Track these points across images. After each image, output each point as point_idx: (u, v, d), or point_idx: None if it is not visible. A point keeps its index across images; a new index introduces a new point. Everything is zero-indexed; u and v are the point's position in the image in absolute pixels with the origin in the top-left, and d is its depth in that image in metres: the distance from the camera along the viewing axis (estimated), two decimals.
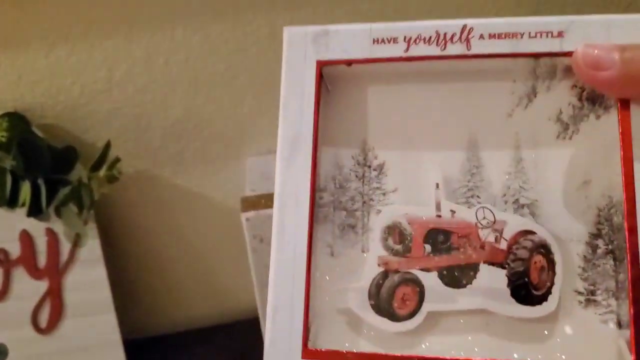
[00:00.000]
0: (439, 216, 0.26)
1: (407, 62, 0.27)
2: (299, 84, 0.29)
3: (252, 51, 0.59)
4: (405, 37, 0.27)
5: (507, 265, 0.25)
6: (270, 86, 0.61)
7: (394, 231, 0.27)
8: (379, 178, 0.28)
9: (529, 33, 0.27)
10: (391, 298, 0.26)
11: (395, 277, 0.26)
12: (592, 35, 0.26)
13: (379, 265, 0.27)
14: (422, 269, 0.26)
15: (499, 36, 0.27)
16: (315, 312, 0.27)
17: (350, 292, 0.27)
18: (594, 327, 0.24)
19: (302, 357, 0.26)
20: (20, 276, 0.61)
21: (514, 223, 0.26)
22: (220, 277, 0.71)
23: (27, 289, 0.61)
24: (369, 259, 0.27)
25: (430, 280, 0.26)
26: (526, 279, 0.25)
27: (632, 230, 0.23)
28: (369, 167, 0.28)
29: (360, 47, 0.28)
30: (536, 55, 0.27)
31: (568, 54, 0.26)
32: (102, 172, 0.56)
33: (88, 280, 0.62)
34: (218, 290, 0.71)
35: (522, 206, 0.26)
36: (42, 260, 0.61)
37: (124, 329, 0.64)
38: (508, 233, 0.26)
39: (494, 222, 0.26)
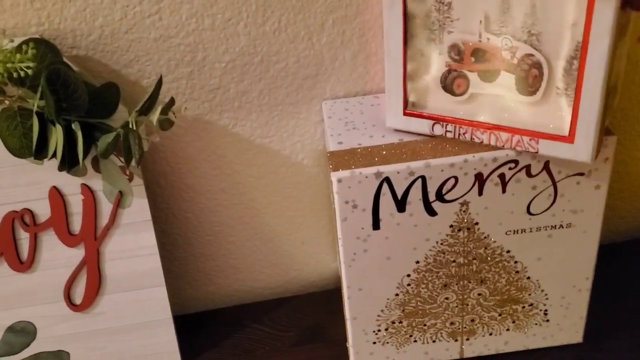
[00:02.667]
0: (480, 41, 0.41)
1: None
2: None
3: None
4: None
5: (516, 73, 0.41)
6: (357, 11, 0.49)
7: (454, 48, 0.42)
8: (448, 11, 0.41)
9: None
10: (452, 84, 0.43)
11: (455, 73, 0.43)
12: None
13: (446, 66, 0.43)
14: (469, 70, 0.43)
15: None
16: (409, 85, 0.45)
17: (429, 80, 0.44)
18: (563, 103, 0.41)
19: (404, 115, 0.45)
20: (50, 242, 0.50)
21: (522, 48, 0.40)
22: (286, 245, 0.60)
23: (59, 257, 0.51)
24: (441, 60, 0.43)
25: (473, 77, 0.43)
26: (525, 82, 0.41)
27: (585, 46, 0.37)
28: (442, 3, 0.41)
29: None
30: None
31: None
32: (155, 116, 0.44)
33: (133, 247, 0.51)
34: (283, 260, 0.61)
35: (532, 35, 0.39)
36: (76, 223, 0.50)
37: (174, 304, 0.54)
38: (518, 54, 0.40)
39: (511, 47, 0.40)
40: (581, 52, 0.37)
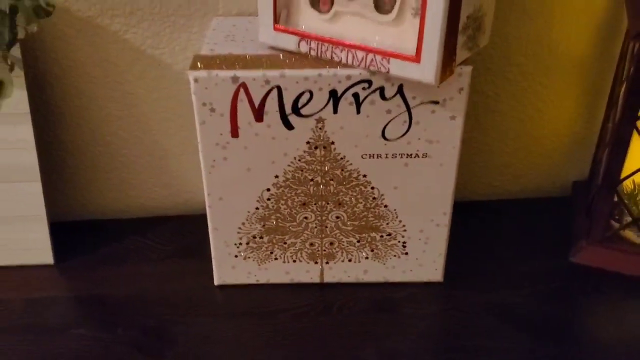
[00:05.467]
0: None
1: None
2: None
3: None
4: None
5: None
6: None
7: None
8: None
9: None
10: (318, 1, 0.44)
11: None
12: None
13: None
14: None
15: None
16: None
17: None
18: (415, 24, 0.41)
19: (274, 30, 0.46)
20: None
21: None
22: (179, 165, 0.61)
23: None
24: None
25: None
26: (382, 0, 0.42)
27: None
28: None
29: None
30: None
31: None
32: (27, 2, 0.45)
33: (11, 139, 0.52)
34: (175, 180, 0.61)
35: None
36: None
37: (53, 207, 0.56)
38: None
39: None
40: None
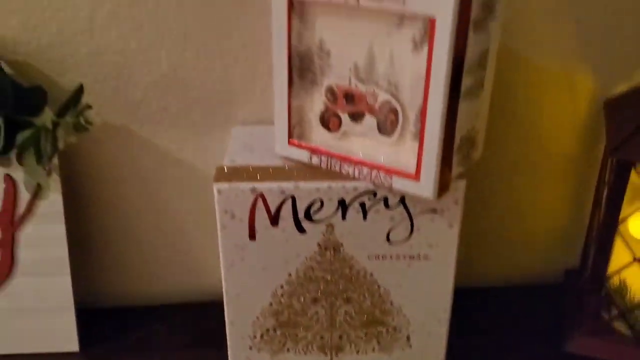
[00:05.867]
0: (350, 86, 0.48)
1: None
2: None
3: (251, 8, 0.54)
4: None
5: (377, 117, 0.48)
6: (266, 50, 0.56)
7: (330, 90, 0.49)
8: (327, 58, 0.48)
9: None
10: (328, 122, 0.50)
11: (330, 112, 0.50)
12: None
13: (323, 106, 0.50)
14: (340, 110, 0.49)
15: None
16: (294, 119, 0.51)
17: (312, 116, 0.51)
18: (415, 146, 0.46)
19: (289, 144, 0.51)
20: None
21: (382, 95, 0.47)
22: (191, 253, 0.65)
23: None
24: (320, 100, 0.50)
25: (344, 117, 0.49)
26: (384, 125, 0.47)
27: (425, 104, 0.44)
28: (323, 51, 0.48)
29: None
30: None
31: None
32: (69, 119, 0.50)
33: (45, 237, 0.57)
34: (186, 266, 0.66)
35: (391, 84, 0.46)
36: None
37: (79, 295, 0.59)
38: (379, 100, 0.47)
39: (374, 93, 0.47)
40: (423, 102, 0.43)
